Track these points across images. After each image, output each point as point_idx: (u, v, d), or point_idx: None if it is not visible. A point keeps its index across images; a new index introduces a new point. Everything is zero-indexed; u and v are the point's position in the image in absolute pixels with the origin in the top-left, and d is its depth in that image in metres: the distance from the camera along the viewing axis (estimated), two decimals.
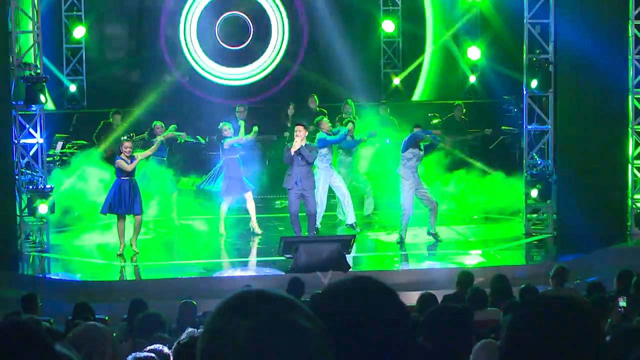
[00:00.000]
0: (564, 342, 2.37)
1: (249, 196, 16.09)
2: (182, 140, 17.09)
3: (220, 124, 16.14)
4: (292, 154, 14.74)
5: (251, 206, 16.13)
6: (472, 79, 22.13)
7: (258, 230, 16.12)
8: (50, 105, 18.18)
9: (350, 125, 16.38)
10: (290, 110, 19.61)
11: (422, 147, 15.34)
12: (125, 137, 15.51)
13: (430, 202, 15.31)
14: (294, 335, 2.05)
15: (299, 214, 15.09)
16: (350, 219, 16.20)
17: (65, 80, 21.25)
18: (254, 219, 16.14)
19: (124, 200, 14.68)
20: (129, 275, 14.34)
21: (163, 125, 16.75)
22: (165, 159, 16.86)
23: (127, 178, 14.75)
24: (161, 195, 16.91)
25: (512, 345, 2.43)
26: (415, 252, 15.36)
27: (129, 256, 14.87)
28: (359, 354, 2.34)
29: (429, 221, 15.42)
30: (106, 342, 4.44)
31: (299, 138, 14.75)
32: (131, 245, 14.94)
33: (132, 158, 14.78)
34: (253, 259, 15.52)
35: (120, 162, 14.74)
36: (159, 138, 16.30)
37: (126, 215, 14.82)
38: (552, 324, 2.40)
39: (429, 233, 15.48)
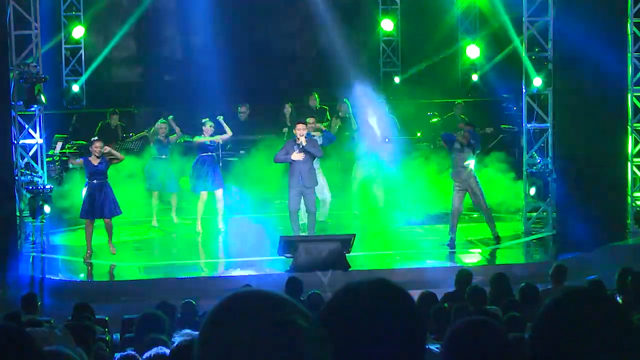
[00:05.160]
0: (595, 331, 2.38)
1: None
2: (182, 140, 17.07)
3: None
4: (298, 151, 14.74)
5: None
6: (475, 77, 22.08)
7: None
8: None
9: (335, 120, 16.50)
10: (287, 110, 19.55)
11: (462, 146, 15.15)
12: (95, 138, 15.31)
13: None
14: (292, 335, 2.05)
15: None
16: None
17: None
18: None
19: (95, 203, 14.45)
20: (130, 276, 14.33)
21: (167, 123, 16.77)
22: (167, 157, 16.84)
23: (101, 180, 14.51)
24: (164, 194, 16.93)
25: (542, 337, 2.43)
26: (414, 250, 15.35)
27: (130, 255, 14.84)
28: (363, 356, 2.34)
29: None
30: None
31: (302, 137, 14.76)
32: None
33: (101, 158, 14.48)
34: (252, 258, 15.51)
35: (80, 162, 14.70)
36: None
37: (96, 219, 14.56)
38: (583, 314, 2.40)
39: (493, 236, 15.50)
